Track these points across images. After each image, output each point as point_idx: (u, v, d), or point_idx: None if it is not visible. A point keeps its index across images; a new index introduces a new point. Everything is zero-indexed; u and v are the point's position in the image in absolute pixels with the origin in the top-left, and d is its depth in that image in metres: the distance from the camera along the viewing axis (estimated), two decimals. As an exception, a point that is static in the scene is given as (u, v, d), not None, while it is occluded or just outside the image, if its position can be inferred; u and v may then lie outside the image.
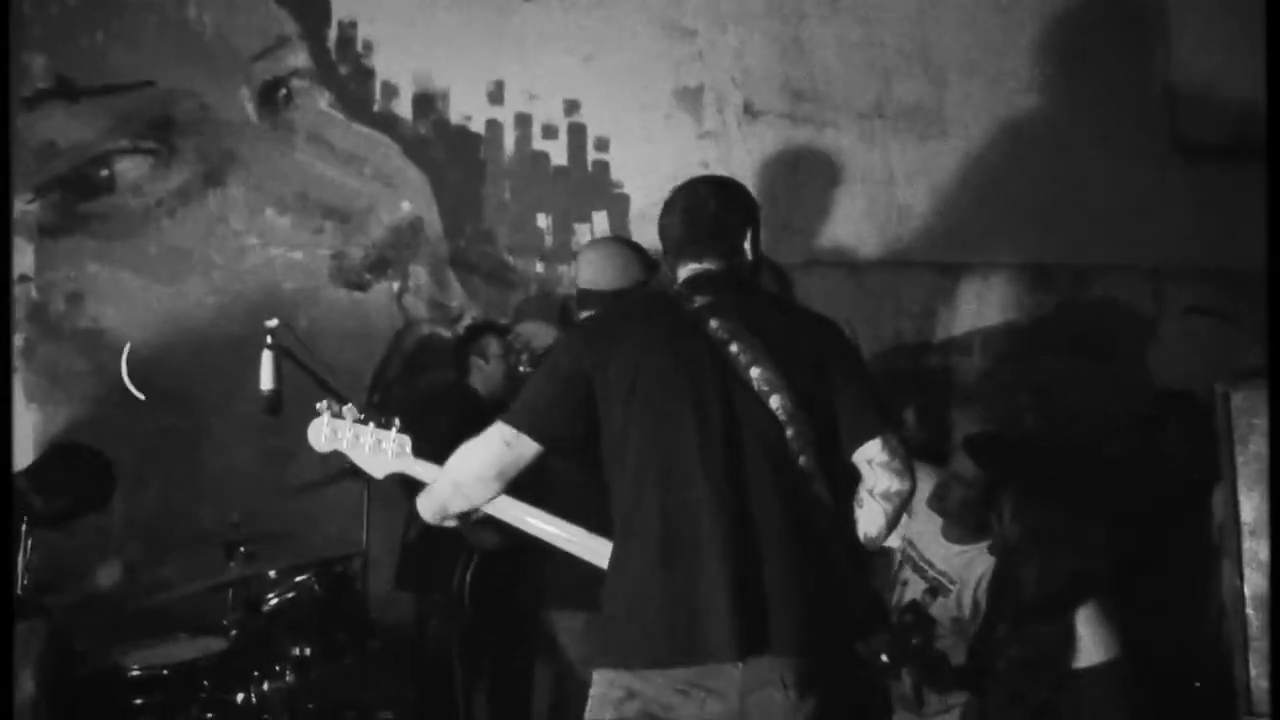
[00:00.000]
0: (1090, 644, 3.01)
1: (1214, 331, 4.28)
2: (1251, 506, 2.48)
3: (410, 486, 2.44)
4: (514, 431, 2.24)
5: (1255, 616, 2.45)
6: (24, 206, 4.02)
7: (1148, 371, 4.33)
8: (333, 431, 2.39)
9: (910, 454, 2.29)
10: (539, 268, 4.30)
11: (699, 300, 2.28)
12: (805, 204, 4.37)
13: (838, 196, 4.40)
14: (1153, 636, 3.13)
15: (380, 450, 2.38)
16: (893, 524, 2.29)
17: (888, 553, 3.32)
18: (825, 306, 4.23)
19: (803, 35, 4.39)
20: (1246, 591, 2.47)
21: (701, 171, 4.33)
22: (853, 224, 4.38)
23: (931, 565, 3.18)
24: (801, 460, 2.20)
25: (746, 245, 2.38)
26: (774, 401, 2.20)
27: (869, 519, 2.28)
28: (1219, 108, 4.31)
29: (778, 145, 4.39)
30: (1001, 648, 2.98)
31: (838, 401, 2.26)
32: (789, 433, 2.19)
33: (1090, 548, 3.06)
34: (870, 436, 2.26)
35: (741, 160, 4.36)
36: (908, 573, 3.22)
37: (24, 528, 2.88)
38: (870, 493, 2.27)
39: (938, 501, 3.21)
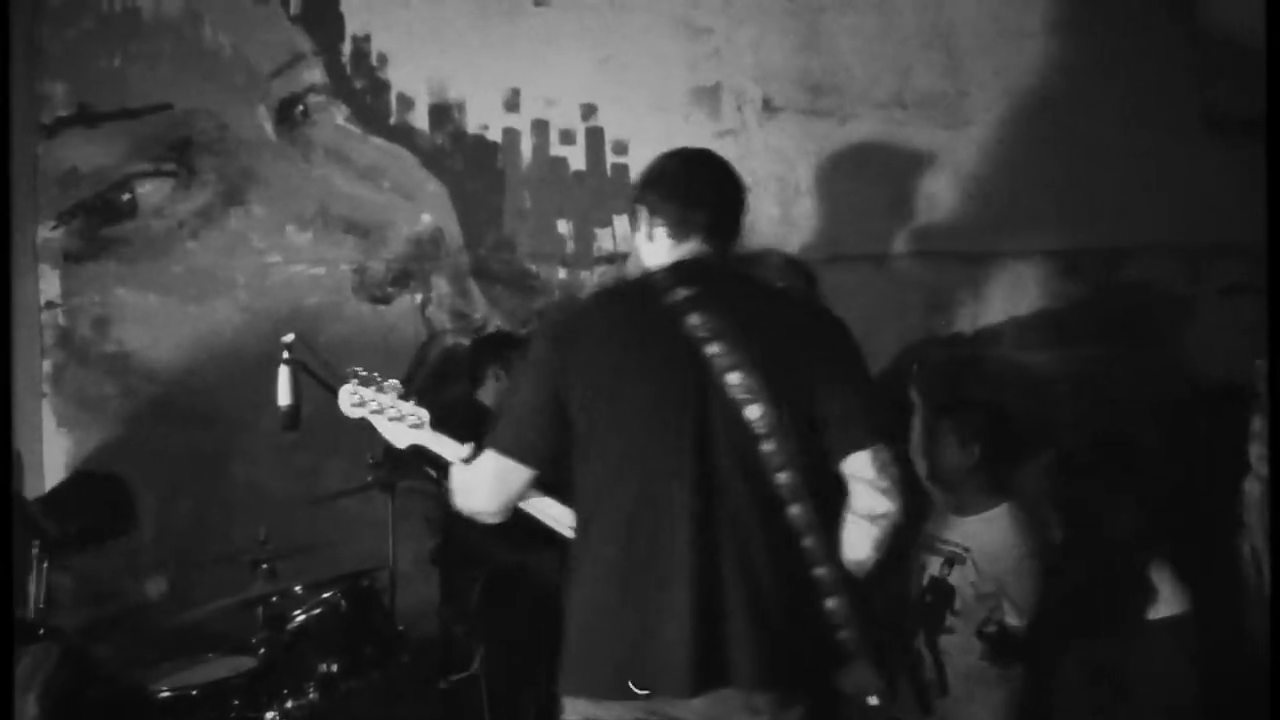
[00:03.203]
0: (1168, 595, 2.96)
1: (1254, 310, 4.17)
2: (1291, 485, 2.40)
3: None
4: (502, 459, 2.10)
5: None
6: (47, 234, 4.07)
7: (1186, 354, 4.23)
8: (360, 399, 2.38)
9: (904, 472, 2.08)
10: (561, 274, 4.28)
11: (681, 292, 2.05)
12: (828, 198, 4.31)
13: (861, 189, 4.33)
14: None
15: (400, 420, 2.35)
16: (882, 548, 2.06)
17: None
18: (852, 301, 4.21)
19: (819, 28, 4.34)
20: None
21: (723, 171, 4.32)
22: (878, 216, 4.31)
23: (945, 541, 3.14)
24: (781, 477, 1.99)
25: (742, 227, 2.19)
26: (752, 412, 1.98)
27: (853, 543, 2.05)
28: (1249, 77, 4.20)
29: (798, 140, 4.34)
30: (1066, 609, 2.93)
31: (827, 408, 2.03)
32: (767, 447, 1.99)
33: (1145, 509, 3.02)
34: (856, 449, 2.04)
35: (762, 157, 4.31)
36: (924, 556, 3.18)
37: (35, 551, 2.89)
38: (854, 513, 2.05)
39: (931, 469, 3.18)
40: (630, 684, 1.97)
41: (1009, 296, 4.30)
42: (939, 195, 4.31)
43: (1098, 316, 4.25)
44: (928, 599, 3.03)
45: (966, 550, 3.07)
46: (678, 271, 2.12)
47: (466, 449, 2.26)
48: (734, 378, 2.00)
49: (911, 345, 4.27)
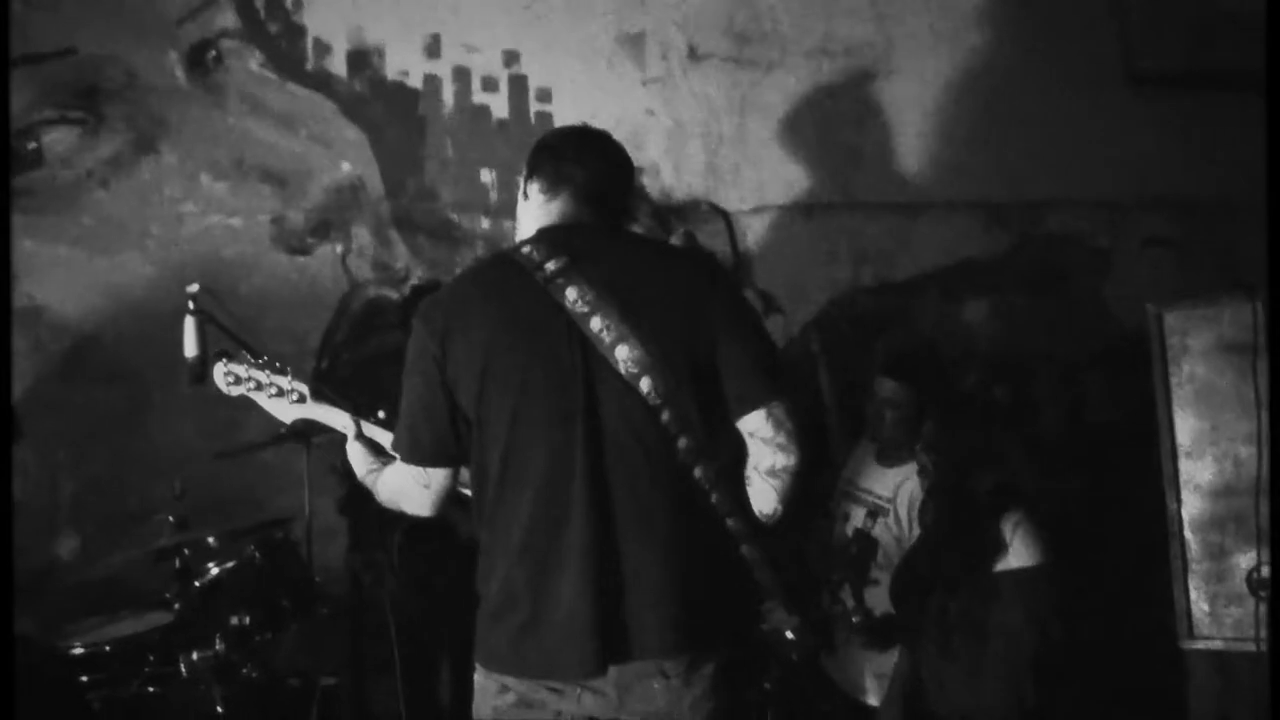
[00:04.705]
0: (1019, 548, 2.86)
1: (1171, 262, 4.24)
2: (1187, 429, 2.44)
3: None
4: (419, 470, 2.09)
5: (1193, 540, 2.42)
6: (-51, 184, 3.93)
7: (1105, 305, 4.29)
8: (234, 377, 2.34)
9: (801, 424, 2.07)
10: (484, 224, 4.22)
11: (551, 266, 2.01)
12: (753, 148, 4.30)
13: (787, 139, 4.32)
14: (1094, 553, 3.07)
15: (281, 396, 2.32)
16: (788, 499, 2.07)
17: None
18: (779, 251, 4.27)
19: (745, -25, 4.30)
20: (1184, 515, 2.43)
21: (647, 119, 4.28)
22: (803, 167, 4.31)
23: (869, 491, 3.16)
24: (681, 443, 1.99)
25: (622, 199, 2.20)
26: (644, 384, 1.96)
27: (759, 498, 2.06)
28: (1170, 32, 4.24)
29: (724, 89, 4.30)
30: (929, 572, 2.92)
31: (720, 366, 2.02)
32: (664, 417, 1.98)
33: (1009, 462, 2.98)
34: (752, 407, 2.03)
35: (687, 105, 4.28)
36: (848, 505, 3.20)
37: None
38: (756, 469, 2.06)
39: (873, 429, 3.18)
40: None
41: (935, 247, 4.33)
42: (865, 145, 4.32)
43: (1021, 267, 4.29)
44: (853, 550, 3.05)
45: (889, 501, 3.09)
46: (545, 242, 2.08)
47: (350, 421, 2.29)
48: (622, 352, 1.97)
49: (839, 296, 4.29)
